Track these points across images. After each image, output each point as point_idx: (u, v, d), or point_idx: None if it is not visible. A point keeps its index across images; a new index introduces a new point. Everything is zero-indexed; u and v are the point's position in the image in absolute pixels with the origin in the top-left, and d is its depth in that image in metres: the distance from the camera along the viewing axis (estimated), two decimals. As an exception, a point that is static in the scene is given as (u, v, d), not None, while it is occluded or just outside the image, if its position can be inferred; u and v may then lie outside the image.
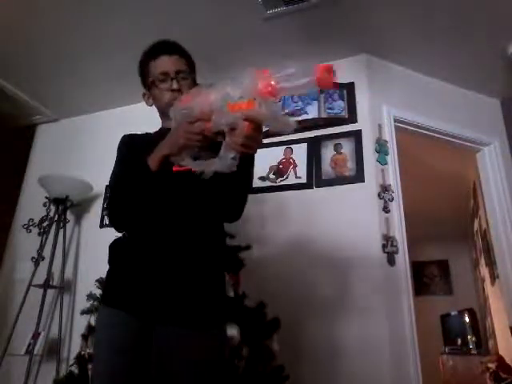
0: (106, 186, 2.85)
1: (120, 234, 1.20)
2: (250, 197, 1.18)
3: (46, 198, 2.86)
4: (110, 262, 1.17)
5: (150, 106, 1.28)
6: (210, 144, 0.98)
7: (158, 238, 1.10)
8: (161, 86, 1.20)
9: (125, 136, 1.25)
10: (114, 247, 1.18)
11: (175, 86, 1.18)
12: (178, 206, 1.12)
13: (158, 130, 1.29)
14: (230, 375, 1.40)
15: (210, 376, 1.05)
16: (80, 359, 1.76)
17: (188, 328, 1.05)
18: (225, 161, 0.88)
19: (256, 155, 1.06)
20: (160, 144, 1.04)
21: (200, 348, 1.05)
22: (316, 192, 2.31)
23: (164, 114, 1.25)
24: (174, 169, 1.01)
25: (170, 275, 1.07)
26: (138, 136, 1.26)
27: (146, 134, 1.27)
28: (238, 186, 1.13)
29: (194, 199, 1.14)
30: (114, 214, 1.14)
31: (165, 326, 1.05)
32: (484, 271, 4.09)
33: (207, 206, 1.15)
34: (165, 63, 1.20)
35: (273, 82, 0.80)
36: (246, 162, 1.03)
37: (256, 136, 0.87)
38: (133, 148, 1.20)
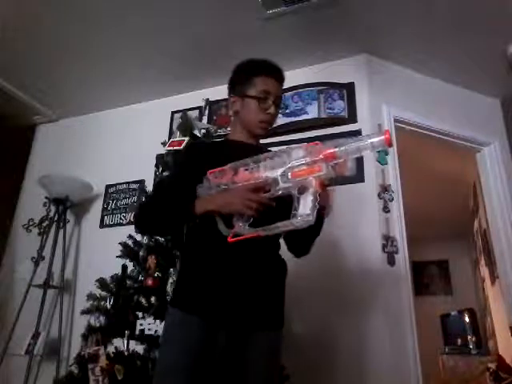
0: (106, 186, 2.86)
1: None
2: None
3: (46, 198, 2.86)
4: (187, 264, 1.19)
5: (234, 112, 1.29)
6: None
7: (233, 250, 1.12)
8: (260, 103, 1.24)
9: (193, 144, 1.32)
10: (190, 249, 1.20)
11: (273, 110, 1.24)
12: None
13: (223, 139, 1.35)
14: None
15: (276, 372, 1.21)
16: (80, 359, 1.76)
17: (265, 330, 1.17)
18: (305, 217, 0.93)
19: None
20: (208, 197, 1.08)
21: (272, 348, 1.21)
22: (316, 192, 2.31)
23: (245, 128, 1.28)
24: (230, 240, 1.01)
25: (247, 285, 1.13)
26: (204, 145, 1.31)
27: (213, 142, 1.34)
28: (309, 240, 1.31)
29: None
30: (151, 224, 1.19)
31: (242, 331, 1.12)
32: (484, 271, 4.09)
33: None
34: (272, 86, 1.25)
35: (333, 150, 0.96)
36: (320, 223, 1.17)
37: (328, 194, 1.00)
38: (197, 157, 1.23)
